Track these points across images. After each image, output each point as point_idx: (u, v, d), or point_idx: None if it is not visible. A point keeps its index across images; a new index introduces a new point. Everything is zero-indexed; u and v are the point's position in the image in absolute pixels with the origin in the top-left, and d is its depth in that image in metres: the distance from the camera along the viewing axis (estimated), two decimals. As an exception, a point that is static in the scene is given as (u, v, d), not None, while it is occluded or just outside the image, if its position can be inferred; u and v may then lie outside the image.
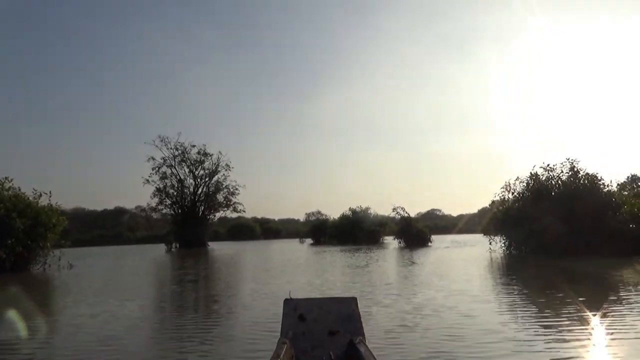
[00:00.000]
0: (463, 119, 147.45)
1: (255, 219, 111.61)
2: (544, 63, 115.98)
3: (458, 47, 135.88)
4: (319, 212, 74.04)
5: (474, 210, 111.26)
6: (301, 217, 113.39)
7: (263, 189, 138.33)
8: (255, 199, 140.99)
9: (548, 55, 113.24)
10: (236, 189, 60.52)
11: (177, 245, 53.65)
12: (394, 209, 40.33)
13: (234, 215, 68.38)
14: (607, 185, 21.07)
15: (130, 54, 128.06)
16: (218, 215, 62.43)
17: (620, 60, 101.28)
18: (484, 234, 25.35)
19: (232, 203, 60.66)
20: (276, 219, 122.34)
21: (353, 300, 3.50)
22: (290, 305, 3.42)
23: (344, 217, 56.59)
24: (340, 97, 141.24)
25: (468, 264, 17.59)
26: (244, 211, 62.90)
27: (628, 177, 45.07)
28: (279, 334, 3.28)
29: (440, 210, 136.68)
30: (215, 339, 5.91)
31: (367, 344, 2.96)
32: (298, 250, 38.00)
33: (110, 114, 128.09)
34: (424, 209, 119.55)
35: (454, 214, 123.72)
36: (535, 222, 20.32)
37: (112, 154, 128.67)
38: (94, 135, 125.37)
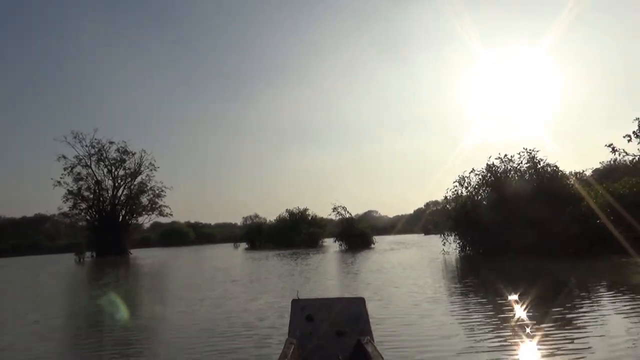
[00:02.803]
0: (398, 121, 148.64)
1: (188, 224, 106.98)
2: (474, 69, 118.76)
3: (394, 51, 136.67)
4: (256, 216, 70.35)
5: (409, 211, 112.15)
6: (239, 221, 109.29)
7: (199, 192, 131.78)
8: (190, 203, 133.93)
9: (477, 61, 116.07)
10: (162, 191, 55.35)
11: (94, 255, 47.90)
12: (334, 209, 37.59)
13: (168, 220, 63.17)
14: (570, 177, 19.20)
15: (56, 50, 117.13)
16: (142, 219, 56.79)
17: (545, 69, 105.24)
18: (425, 234, 22.91)
19: (158, 206, 55.43)
20: (212, 223, 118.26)
21: (361, 300, 3.45)
22: (298, 305, 3.39)
23: (280, 220, 53.25)
24: (278, 98, 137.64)
25: (426, 269, 14.82)
26: (171, 215, 57.72)
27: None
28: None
29: (377, 212, 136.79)
30: None
31: (375, 344, 2.90)
32: (229, 256, 34.03)
33: (38, 113, 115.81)
34: (361, 211, 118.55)
35: (390, 215, 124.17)
36: (492, 220, 18.03)
37: (31, 155, 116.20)
38: (8, 136, 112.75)
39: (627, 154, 26.61)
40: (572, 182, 18.80)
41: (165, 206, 56.01)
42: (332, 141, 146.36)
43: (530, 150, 19.49)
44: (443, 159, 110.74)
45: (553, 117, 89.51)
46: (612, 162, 49.45)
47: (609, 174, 41.95)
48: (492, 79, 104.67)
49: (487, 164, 20.11)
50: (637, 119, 25.49)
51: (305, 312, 3.33)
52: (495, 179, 19.50)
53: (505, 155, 19.92)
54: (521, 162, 19.53)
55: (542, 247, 16.78)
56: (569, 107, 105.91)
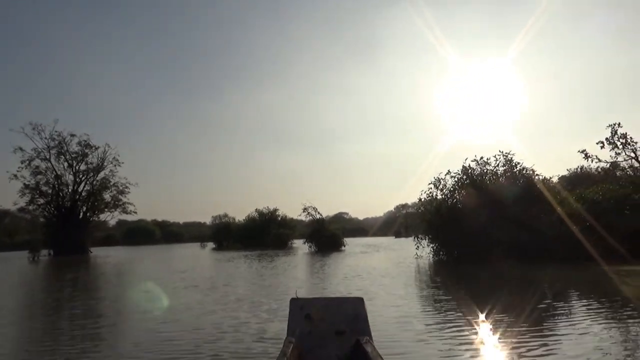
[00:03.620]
0: (371, 124, 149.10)
1: (155, 222, 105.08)
2: (446, 75, 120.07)
3: (368, 56, 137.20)
4: (226, 215, 68.65)
5: (379, 214, 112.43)
6: (208, 220, 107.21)
7: (168, 190, 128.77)
8: (159, 201, 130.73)
9: (449, 68, 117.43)
10: (126, 187, 53.02)
11: (51, 253, 45.50)
12: (304, 209, 36.62)
13: (135, 218, 60.63)
14: (546, 181, 18.81)
15: (15, 38, 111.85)
16: (104, 217, 54.34)
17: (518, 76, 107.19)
18: (396, 237, 22.27)
19: (121, 203, 53.10)
20: (181, 222, 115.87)
21: (360, 300, 3.41)
22: (297, 304, 3.35)
23: (250, 220, 51.93)
24: (250, 98, 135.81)
25: (400, 277, 14.04)
26: (135, 212, 55.39)
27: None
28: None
29: (347, 214, 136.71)
30: None
31: (373, 344, 2.88)
32: (193, 257, 32.60)
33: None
34: (331, 212, 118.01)
35: (361, 217, 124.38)
36: (468, 224, 17.44)
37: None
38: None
39: (599, 160, 26.73)
40: (541, 188, 18.33)
41: (129, 203, 53.76)
42: (305, 142, 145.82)
43: (506, 153, 19.01)
44: (415, 162, 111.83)
45: (522, 125, 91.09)
46: (578, 170, 50.29)
47: (577, 181, 42.49)
48: (464, 86, 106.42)
49: (463, 166, 19.53)
50: (611, 125, 25.56)
51: (304, 311, 3.29)
52: (471, 182, 18.93)
53: (482, 157, 19.42)
54: (497, 165, 19.03)
55: (518, 253, 16.26)
56: (534, 115, 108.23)
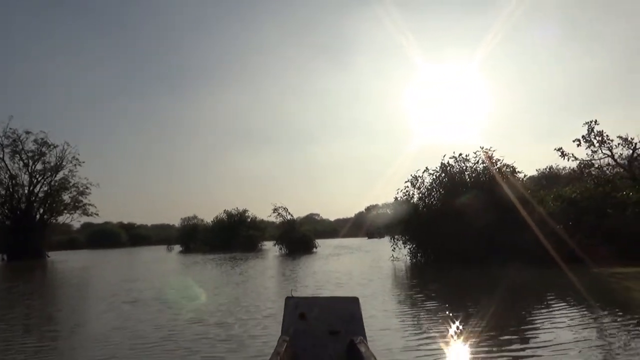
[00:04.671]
0: (341, 126, 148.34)
1: (121, 225, 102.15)
2: (415, 78, 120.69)
3: (337, 57, 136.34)
4: (195, 217, 66.67)
5: (350, 214, 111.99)
6: (177, 223, 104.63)
7: (136, 192, 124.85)
8: (124, 204, 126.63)
9: (417, 71, 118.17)
10: (87, 188, 50.26)
11: (5, 258, 42.75)
12: (275, 209, 35.24)
13: (100, 220, 57.72)
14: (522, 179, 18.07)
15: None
16: (62, 219, 51.43)
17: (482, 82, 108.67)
18: (369, 237, 21.39)
19: (81, 204, 50.35)
20: (149, 224, 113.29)
21: (355, 300, 3.36)
22: (291, 303, 3.28)
23: (218, 221, 50.12)
24: (217, 97, 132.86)
25: (377, 284, 12.93)
26: (97, 214, 52.55)
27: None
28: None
29: (318, 215, 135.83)
30: None
31: (367, 344, 2.85)
32: (156, 261, 30.77)
33: None
34: (302, 214, 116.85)
35: (332, 218, 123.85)
36: (447, 224, 16.50)
37: None
38: None
39: (576, 158, 26.34)
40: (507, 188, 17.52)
41: (90, 204, 50.96)
42: (275, 144, 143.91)
43: (487, 149, 18.16)
44: (384, 164, 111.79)
45: (489, 126, 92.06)
46: (547, 170, 50.62)
47: (546, 181, 42.60)
48: (433, 88, 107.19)
49: (442, 163, 18.53)
50: (587, 123, 25.18)
51: (299, 310, 3.21)
52: (450, 179, 17.98)
53: (460, 154, 18.49)
54: (477, 162, 18.16)
55: (500, 254, 15.37)
56: (500, 117, 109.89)
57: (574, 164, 28.04)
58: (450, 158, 18.51)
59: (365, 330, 3.15)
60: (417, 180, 18.88)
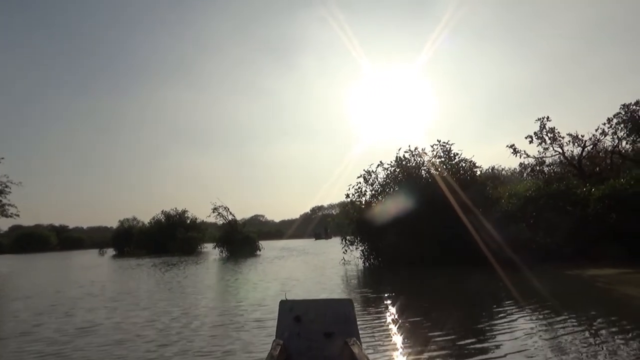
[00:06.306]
0: (287, 127, 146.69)
1: (52, 227, 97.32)
2: (360, 80, 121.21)
3: (283, 57, 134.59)
4: (134, 219, 62.52)
5: (295, 216, 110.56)
6: (115, 225, 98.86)
7: (71, 193, 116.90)
8: (58, 205, 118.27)
9: (363, 73, 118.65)
10: (6, 187, 45.19)
11: None
12: (214, 209, 32.75)
13: (30, 223, 52.31)
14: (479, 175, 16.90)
15: None
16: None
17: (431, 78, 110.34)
18: (316, 239, 19.52)
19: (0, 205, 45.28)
20: (85, 227, 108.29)
21: (349, 302, 3.32)
22: (286, 306, 3.26)
23: (155, 223, 46.78)
24: (158, 95, 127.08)
25: (329, 290, 11.07)
26: (18, 215, 47.09)
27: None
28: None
29: (263, 216, 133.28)
30: None
31: (361, 345, 2.83)
32: (81, 267, 27.40)
33: None
34: (247, 215, 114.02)
35: (277, 219, 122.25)
36: (402, 223, 14.98)
37: None
38: None
39: (528, 155, 25.82)
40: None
41: (10, 205, 45.83)
42: (219, 143, 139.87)
43: (444, 142, 16.79)
44: (330, 164, 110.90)
45: (433, 127, 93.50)
46: (489, 171, 51.01)
47: (491, 181, 42.56)
48: (377, 90, 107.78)
49: (397, 156, 16.97)
50: (539, 119, 24.65)
51: (293, 313, 3.19)
52: (407, 174, 16.43)
53: (416, 148, 17.01)
54: (435, 155, 16.77)
55: (462, 255, 13.99)
56: (443, 118, 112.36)
57: (516, 164, 27.47)
58: (405, 152, 17.02)
59: (359, 331, 3.12)
60: (370, 176, 17.24)
